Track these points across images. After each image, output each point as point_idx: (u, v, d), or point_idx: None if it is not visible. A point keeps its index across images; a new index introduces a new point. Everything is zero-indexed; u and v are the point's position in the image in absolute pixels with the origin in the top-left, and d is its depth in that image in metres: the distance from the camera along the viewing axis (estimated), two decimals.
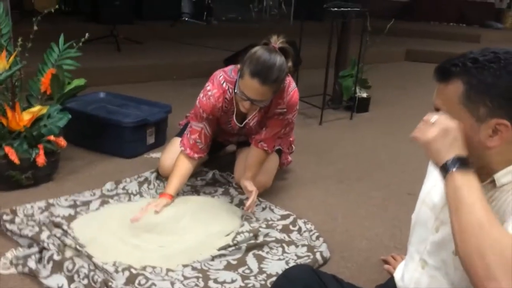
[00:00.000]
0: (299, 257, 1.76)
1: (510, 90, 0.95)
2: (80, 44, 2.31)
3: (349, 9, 3.25)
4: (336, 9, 3.21)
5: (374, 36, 3.47)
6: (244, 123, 2.09)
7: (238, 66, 1.88)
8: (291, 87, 2.02)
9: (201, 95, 2.02)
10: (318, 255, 1.76)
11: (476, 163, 1.07)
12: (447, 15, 8.34)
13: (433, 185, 1.21)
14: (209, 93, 2.00)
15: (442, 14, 8.34)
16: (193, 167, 2.08)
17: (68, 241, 1.69)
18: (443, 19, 8.38)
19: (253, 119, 2.08)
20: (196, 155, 2.05)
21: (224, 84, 2.00)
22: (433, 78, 1.05)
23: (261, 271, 1.67)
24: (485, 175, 1.05)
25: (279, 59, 1.79)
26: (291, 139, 2.41)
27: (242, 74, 1.83)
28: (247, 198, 2.09)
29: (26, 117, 2.11)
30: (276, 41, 1.83)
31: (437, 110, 1.06)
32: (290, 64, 1.86)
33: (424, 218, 1.19)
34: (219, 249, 1.73)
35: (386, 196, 2.35)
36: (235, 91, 1.92)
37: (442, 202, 1.14)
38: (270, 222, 1.99)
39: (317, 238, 1.89)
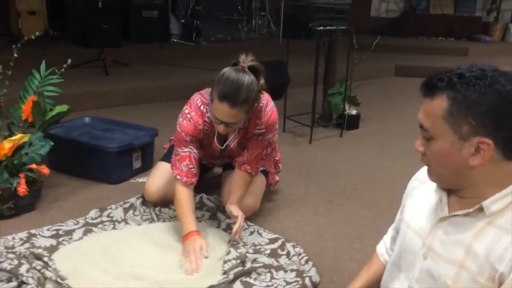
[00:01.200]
0: (288, 283, 1.70)
1: (495, 108, 0.93)
2: (63, 70, 2.28)
3: (335, 27, 3.25)
4: (322, 28, 3.21)
5: (361, 53, 3.48)
6: (225, 145, 2.06)
7: None
8: (269, 106, 1.99)
9: (180, 119, 1.99)
10: (307, 280, 1.71)
11: (461, 184, 1.04)
12: (435, 30, 8.43)
13: (416, 209, 1.17)
14: (188, 115, 1.97)
15: (430, 28, 8.43)
16: (192, 193, 2.01)
17: (49, 273, 1.64)
18: (432, 34, 8.46)
19: (233, 140, 2.05)
20: (193, 180, 1.99)
21: (202, 107, 1.97)
22: (419, 92, 1.03)
23: None
24: (471, 199, 1.02)
25: (247, 78, 1.77)
26: (276, 158, 2.37)
27: (212, 97, 1.80)
28: (234, 223, 2.05)
29: (7, 145, 2.07)
30: (245, 60, 1.80)
31: (421, 127, 1.04)
32: (262, 82, 1.83)
33: (411, 244, 1.16)
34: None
35: (376, 216, 2.31)
36: (208, 115, 1.89)
37: (429, 227, 1.11)
38: (258, 247, 1.94)
39: (306, 262, 1.84)
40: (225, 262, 1.77)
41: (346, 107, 3.61)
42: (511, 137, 0.95)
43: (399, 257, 1.21)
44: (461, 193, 1.05)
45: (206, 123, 1.98)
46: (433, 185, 1.14)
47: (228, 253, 1.84)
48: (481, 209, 1.00)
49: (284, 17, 6.61)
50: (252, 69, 1.81)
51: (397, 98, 4.94)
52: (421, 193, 1.19)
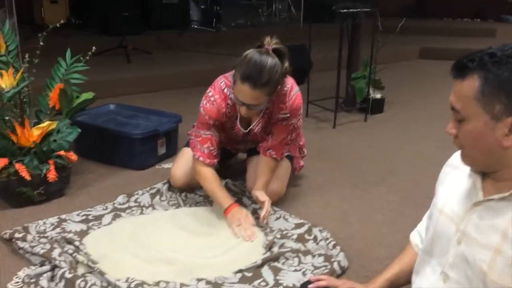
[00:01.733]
0: (316, 268, 1.70)
1: None
2: (87, 57, 2.30)
3: (358, 9, 3.19)
4: (345, 10, 3.14)
5: (385, 36, 3.40)
6: (248, 129, 2.05)
7: None
8: (294, 91, 1.97)
9: (204, 101, 1.99)
10: (335, 265, 1.70)
11: (495, 166, 1.01)
12: (461, 11, 8.19)
13: (449, 194, 1.15)
14: (212, 98, 1.97)
15: (455, 10, 8.20)
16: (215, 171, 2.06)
17: (80, 257, 1.67)
18: (457, 15, 8.23)
19: (257, 124, 2.04)
20: (215, 161, 2.03)
21: (226, 90, 1.97)
22: (450, 74, 1.01)
23: (277, 283, 1.61)
24: (507, 181, 0.99)
25: (270, 61, 1.76)
26: (301, 143, 2.36)
27: (235, 79, 1.80)
28: (260, 208, 2.05)
29: (36, 133, 2.10)
30: (269, 43, 1.79)
31: (452, 109, 1.01)
32: (286, 64, 1.82)
33: (444, 229, 1.13)
34: (236, 272, 1.66)
35: (404, 201, 2.28)
36: (230, 96, 1.88)
37: (463, 212, 1.08)
38: (284, 232, 1.94)
39: (334, 246, 1.83)
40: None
41: (371, 91, 3.56)
42: None
43: (431, 243, 1.19)
44: (496, 176, 1.02)
45: (228, 106, 1.98)
46: (467, 170, 1.11)
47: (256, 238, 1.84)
48: None
49: (305, 1, 6.50)
50: (276, 52, 1.80)
51: (422, 81, 4.84)
52: (454, 178, 1.16)
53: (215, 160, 2.02)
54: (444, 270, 1.12)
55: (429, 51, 6.04)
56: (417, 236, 1.39)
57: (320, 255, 1.77)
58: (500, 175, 1.01)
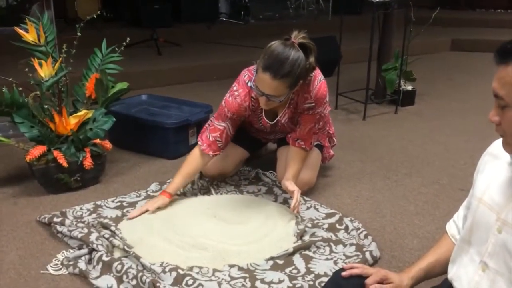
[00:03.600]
0: (347, 257, 1.70)
1: None
2: (122, 48, 2.35)
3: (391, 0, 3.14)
4: (377, 0, 3.10)
5: (416, 27, 3.34)
6: (275, 120, 2.06)
7: None
8: (317, 79, 1.95)
9: (227, 95, 2.01)
10: (367, 255, 1.70)
11: None
12: (494, 2, 7.96)
13: (489, 183, 1.12)
14: (236, 93, 1.98)
15: (489, 0, 7.96)
16: (204, 164, 2.09)
17: (116, 242, 1.71)
18: (490, 6, 7.99)
19: (283, 116, 2.04)
20: (211, 153, 2.03)
21: (249, 83, 1.97)
22: (493, 60, 0.98)
23: (308, 271, 1.63)
24: None
25: (293, 53, 1.74)
26: (330, 131, 2.34)
27: (257, 68, 1.80)
28: (291, 197, 2.05)
29: (73, 121, 2.16)
30: (296, 37, 1.77)
31: (495, 96, 0.99)
32: (311, 59, 1.80)
33: (483, 218, 1.11)
34: (268, 259, 1.68)
35: (437, 192, 2.25)
36: (251, 85, 1.89)
37: (504, 201, 1.06)
38: (315, 221, 1.94)
39: (366, 236, 1.83)
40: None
41: (402, 82, 3.50)
42: None
43: (470, 232, 1.17)
44: None
45: (252, 99, 1.98)
46: (507, 158, 1.09)
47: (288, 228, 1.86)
48: None
49: None
50: (302, 46, 1.78)
51: (454, 73, 4.73)
52: (494, 167, 1.14)
53: (211, 152, 2.03)
54: (483, 259, 1.10)
55: (461, 42, 5.90)
56: (453, 227, 1.37)
57: (351, 244, 1.77)
58: None
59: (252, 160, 2.45)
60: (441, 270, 1.35)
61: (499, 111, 1.00)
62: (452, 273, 1.23)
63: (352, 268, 1.40)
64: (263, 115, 2.05)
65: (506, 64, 0.96)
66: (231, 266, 1.64)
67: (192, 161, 2.05)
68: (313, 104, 1.97)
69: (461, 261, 1.21)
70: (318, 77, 1.96)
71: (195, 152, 2.06)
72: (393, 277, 1.30)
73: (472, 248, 1.16)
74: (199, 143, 2.05)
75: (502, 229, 1.05)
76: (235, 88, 2.00)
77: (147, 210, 1.93)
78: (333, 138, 2.39)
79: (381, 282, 1.30)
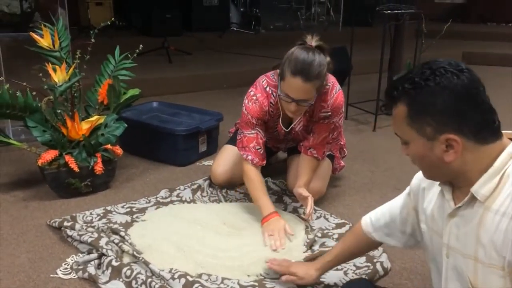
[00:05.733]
0: (358, 268, 1.68)
1: (449, 105, 0.93)
2: (135, 55, 2.37)
3: (403, 11, 3.14)
4: (389, 11, 3.11)
5: (427, 40, 3.34)
6: (290, 128, 2.05)
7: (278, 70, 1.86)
8: (335, 89, 1.97)
9: (246, 101, 2.00)
10: (378, 266, 1.68)
11: (451, 176, 1.02)
12: (505, 16, 7.95)
13: (432, 210, 1.13)
14: (254, 97, 1.98)
15: (500, 14, 7.96)
16: (258, 173, 2.03)
17: (126, 247, 1.71)
18: (501, 20, 7.99)
19: (298, 123, 2.04)
20: (263, 162, 2.02)
21: (268, 89, 1.98)
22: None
23: (318, 281, 1.61)
24: (466, 187, 0.99)
25: (317, 56, 1.77)
26: (341, 142, 2.34)
27: (283, 76, 1.80)
28: (301, 206, 2.05)
29: (85, 126, 2.18)
30: (311, 40, 1.80)
31: (395, 133, 1.05)
32: (329, 60, 1.82)
33: (436, 246, 1.13)
34: None
35: None
36: (279, 93, 1.89)
37: (444, 226, 1.07)
38: (325, 231, 1.93)
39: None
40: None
41: None
42: (476, 125, 0.94)
43: (433, 262, 1.18)
44: (457, 183, 1.03)
45: (271, 104, 1.99)
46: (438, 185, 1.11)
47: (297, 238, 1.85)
48: (474, 196, 0.97)
49: (345, 4, 6.47)
50: (319, 48, 1.81)
51: None
52: (432, 193, 1.15)
53: (263, 162, 2.00)
54: (443, 286, 1.11)
55: (472, 56, 5.88)
56: (369, 225, 1.39)
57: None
58: (459, 182, 1.02)
59: (262, 169, 2.43)
60: (348, 259, 1.54)
61: (404, 147, 1.05)
62: None
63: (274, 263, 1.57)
64: (280, 121, 2.06)
65: (394, 106, 1.01)
66: (241, 273, 1.63)
67: (256, 175, 1.98)
68: (329, 113, 1.98)
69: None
70: (336, 86, 1.97)
71: (249, 167, 1.98)
72: (297, 271, 1.48)
73: (439, 274, 1.15)
74: (249, 158, 1.97)
75: (449, 254, 1.07)
76: (252, 93, 2.00)
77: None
78: (344, 149, 2.39)
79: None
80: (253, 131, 2.00)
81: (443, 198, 1.08)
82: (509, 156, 0.95)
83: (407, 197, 1.26)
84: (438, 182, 1.10)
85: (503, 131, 0.99)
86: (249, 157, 1.98)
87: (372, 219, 1.38)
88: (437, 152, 0.97)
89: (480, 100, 0.95)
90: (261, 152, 2.01)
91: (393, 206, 1.32)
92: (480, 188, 0.95)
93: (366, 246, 1.44)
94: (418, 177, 1.21)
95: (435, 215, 1.12)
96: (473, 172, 0.97)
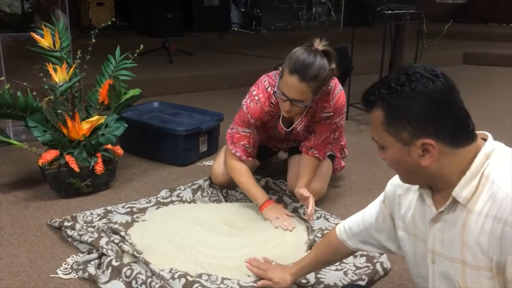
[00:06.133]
0: (357, 268, 1.68)
1: (424, 110, 0.94)
2: (136, 55, 2.37)
3: (404, 11, 3.14)
4: (390, 11, 3.11)
5: (427, 40, 3.34)
6: (291, 127, 2.06)
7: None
8: (337, 89, 1.97)
9: (247, 100, 2.01)
10: (378, 266, 1.68)
11: (429, 180, 1.02)
12: (506, 16, 7.95)
13: (413, 216, 1.12)
14: (256, 97, 1.98)
15: (500, 15, 7.96)
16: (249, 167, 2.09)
17: (126, 247, 1.71)
18: (502, 20, 7.98)
19: (300, 123, 2.04)
20: (250, 158, 2.07)
21: (269, 89, 1.98)
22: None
23: (318, 282, 1.61)
24: (447, 190, 0.99)
25: (319, 59, 1.77)
26: (342, 143, 2.34)
27: (282, 73, 1.81)
28: (301, 206, 2.05)
29: (85, 126, 2.18)
30: (319, 44, 1.80)
31: (372, 138, 1.05)
32: (333, 66, 1.82)
33: (420, 252, 1.12)
34: None
35: None
36: (275, 90, 1.89)
37: (426, 231, 1.07)
38: (325, 232, 1.93)
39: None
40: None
41: None
42: (452, 130, 0.95)
43: (416, 267, 1.17)
44: (436, 187, 1.03)
45: (272, 104, 1.99)
46: (416, 189, 1.10)
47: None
48: (456, 200, 0.97)
49: (346, 4, 6.48)
50: (325, 53, 1.80)
51: (466, 86, 4.65)
52: (409, 198, 1.14)
53: (250, 158, 2.06)
54: None
55: (473, 56, 5.89)
56: (344, 233, 1.38)
57: (362, 255, 1.75)
58: (438, 186, 1.02)
59: (263, 169, 2.45)
60: (322, 266, 1.57)
61: (381, 151, 1.05)
62: None
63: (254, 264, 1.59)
64: (280, 121, 2.06)
65: (370, 111, 1.01)
66: (241, 274, 1.63)
67: (244, 168, 2.04)
68: (331, 113, 1.98)
69: None
70: (338, 87, 1.98)
71: (236, 161, 2.04)
72: (274, 276, 1.50)
73: (425, 281, 1.14)
74: (237, 154, 2.02)
75: (435, 259, 1.06)
76: (254, 93, 2.00)
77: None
78: (345, 149, 2.39)
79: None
80: (247, 130, 2.02)
81: (423, 203, 1.07)
82: (485, 157, 0.95)
83: (382, 204, 1.25)
84: (414, 187, 1.11)
85: (476, 132, 1.00)
86: (238, 153, 2.02)
87: (346, 227, 1.38)
88: (413, 157, 0.97)
89: (455, 105, 0.96)
90: (250, 151, 2.05)
91: (367, 213, 1.32)
92: (461, 191, 0.96)
93: (340, 253, 1.44)
94: (393, 183, 1.20)
95: (416, 220, 1.11)
96: (451, 175, 0.97)
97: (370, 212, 1.31)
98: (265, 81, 2.01)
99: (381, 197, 1.27)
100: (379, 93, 0.98)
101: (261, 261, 1.63)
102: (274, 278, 1.50)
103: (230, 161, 2.05)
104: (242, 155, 2.02)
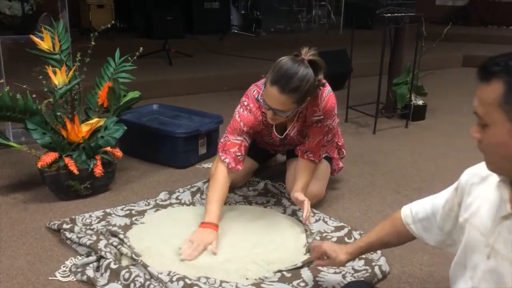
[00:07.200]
0: (356, 271, 1.68)
1: None
2: (135, 57, 2.38)
3: (403, 14, 3.15)
4: (389, 14, 3.11)
5: (427, 42, 3.35)
6: (284, 134, 2.05)
7: None
8: (325, 92, 1.94)
9: (240, 109, 1.99)
10: (376, 269, 1.68)
11: None
12: (506, 19, 7.95)
13: (478, 206, 1.10)
14: (248, 107, 1.98)
15: (500, 17, 7.96)
16: (231, 180, 2.00)
17: (125, 250, 1.71)
18: (502, 23, 7.99)
19: (292, 129, 2.04)
20: (238, 166, 1.98)
21: (258, 97, 1.97)
22: (475, 78, 0.97)
23: (316, 285, 1.61)
24: None
25: (302, 69, 1.74)
26: (340, 143, 2.34)
27: (266, 82, 1.80)
28: (300, 209, 2.05)
29: (85, 129, 2.18)
30: (307, 53, 1.77)
31: (475, 113, 0.97)
32: (320, 77, 1.80)
33: (475, 242, 1.09)
34: (276, 272, 1.67)
35: None
36: (258, 98, 1.88)
37: (492, 226, 1.04)
38: (324, 234, 1.93)
39: (375, 251, 1.81)
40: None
41: (413, 97, 3.50)
42: None
43: (464, 255, 1.14)
44: None
45: (264, 114, 1.99)
46: (495, 181, 1.06)
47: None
48: None
49: (346, 7, 6.48)
50: (312, 63, 1.78)
51: (466, 89, 4.70)
52: (483, 189, 1.11)
53: (238, 166, 1.97)
54: (474, 285, 1.08)
55: (473, 58, 5.89)
56: (409, 216, 1.36)
57: (360, 258, 1.75)
58: None
59: (261, 171, 2.45)
60: (380, 247, 1.52)
61: (480, 129, 0.98)
62: None
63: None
64: (274, 129, 2.06)
65: (487, 84, 0.94)
66: (239, 277, 1.63)
67: (222, 181, 1.93)
68: (322, 116, 1.97)
69: (457, 284, 1.18)
70: (326, 90, 1.96)
71: (222, 169, 1.94)
72: (330, 253, 1.44)
73: (467, 271, 1.12)
74: (226, 161, 1.95)
75: (491, 255, 1.03)
76: (246, 103, 2.00)
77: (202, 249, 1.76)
78: (342, 149, 2.38)
79: (321, 258, 1.47)
80: (239, 138, 1.98)
81: (498, 197, 1.02)
82: None
83: (453, 192, 1.21)
84: (491, 179, 1.06)
85: None
86: (226, 160, 1.94)
87: (413, 211, 1.35)
88: None
89: None
90: (240, 159, 1.98)
91: (436, 200, 1.28)
92: None
93: (401, 237, 1.39)
94: (470, 172, 1.16)
95: (481, 211, 1.07)
96: None
97: (439, 199, 1.27)
98: (254, 91, 2.00)
99: (454, 184, 1.23)
100: (506, 64, 0.90)
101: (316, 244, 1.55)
102: (331, 255, 1.44)
103: (217, 167, 1.97)
104: (231, 162, 1.94)
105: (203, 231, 1.81)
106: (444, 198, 1.25)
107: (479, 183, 1.12)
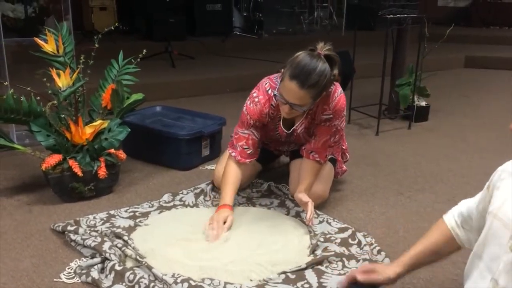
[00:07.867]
0: None
1: None
2: (138, 60, 2.38)
3: (405, 15, 3.15)
4: (391, 16, 3.11)
5: (429, 43, 3.35)
6: (291, 129, 2.06)
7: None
8: (337, 92, 1.97)
9: (248, 102, 2.02)
10: None
11: None
12: (508, 20, 7.95)
13: (504, 199, 1.11)
14: (256, 99, 2.00)
15: (502, 18, 7.96)
16: (243, 173, 2.07)
17: (129, 251, 1.72)
18: (504, 24, 7.98)
19: (300, 125, 2.05)
20: (246, 160, 2.04)
21: (270, 91, 1.99)
22: None
23: (321, 286, 1.61)
24: None
25: (321, 65, 1.76)
26: (343, 147, 2.34)
27: (283, 77, 1.81)
28: (303, 211, 2.05)
29: (88, 131, 2.19)
30: (322, 48, 1.79)
31: None
32: (335, 72, 1.82)
33: (497, 234, 1.10)
34: (280, 273, 1.67)
35: None
36: (275, 93, 1.90)
37: None
38: (328, 236, 1.93)
39: (379, 252, 1.81)
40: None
41: (415, 98, 3.49)
42: None
43: (482, 246, 1.16)
44: None
45: (272, 106, 2.00)
46: None
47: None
48: None
49: (348, 8, 6.49)
50: (327, 58, 1.80)
51: (468, 90, 4.71)
52: (510, 184, 1.13)
53: (247, 160, 2.04)
54: (494, 276, 1.08)
55: (475, 59, 5.89)
56: (452, 220, 1.36)
57: (364, 260, 1.75)
58: None
59: (265, 173, 2.46)
60: (429, 260, 1.42)
61: None
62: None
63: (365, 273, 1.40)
64: (281, 123, 2.06)
65: None
66: (243, 278, 1.63)
67: (233, 170, 2.04)
68: (331, 116, 1.98)
69: (472, 277, 1.19)
70: (338, 89, 1.98)
71: (230, 163, 2.05)
72: (378, 269, 1.38)
73: (483, 263, 1.14)
74: (232, 154, 2.04)
75: None
76: (255, 95, 2.02)
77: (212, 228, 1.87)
78: (346, 153, 2.39)
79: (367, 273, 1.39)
80: (246, 131, 2.03)
81: None
82: None
83: (485, 190, 1.23)
84: None
85: None
86: (233, 154, 2.03)
87: (455, 216, 1.36)
88: None
89: None
90: (248, 152, 2.04)
91: (470, 202, 1.30)
92: None
93: (450, 246, 1.36)
94: (500, 169, 1.18)
95: (507, 204, 1.08)
96: None
97: (473, 200, 1.29)
98: (266, 84, 2.02)
99: (487, 183, 1.24)
100: None
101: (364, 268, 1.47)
102: (378, 271, 1.38)
103: (226, 162, 2.07)
104: (237, 155, 2.02)
105: (218, 212, 1.93)
106: (477, 198, 1.27)
107: (507, 178, 1.14)
